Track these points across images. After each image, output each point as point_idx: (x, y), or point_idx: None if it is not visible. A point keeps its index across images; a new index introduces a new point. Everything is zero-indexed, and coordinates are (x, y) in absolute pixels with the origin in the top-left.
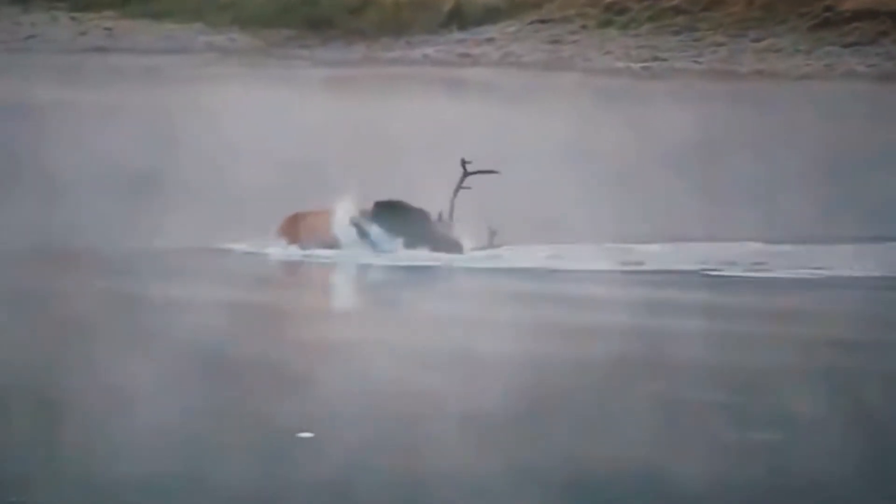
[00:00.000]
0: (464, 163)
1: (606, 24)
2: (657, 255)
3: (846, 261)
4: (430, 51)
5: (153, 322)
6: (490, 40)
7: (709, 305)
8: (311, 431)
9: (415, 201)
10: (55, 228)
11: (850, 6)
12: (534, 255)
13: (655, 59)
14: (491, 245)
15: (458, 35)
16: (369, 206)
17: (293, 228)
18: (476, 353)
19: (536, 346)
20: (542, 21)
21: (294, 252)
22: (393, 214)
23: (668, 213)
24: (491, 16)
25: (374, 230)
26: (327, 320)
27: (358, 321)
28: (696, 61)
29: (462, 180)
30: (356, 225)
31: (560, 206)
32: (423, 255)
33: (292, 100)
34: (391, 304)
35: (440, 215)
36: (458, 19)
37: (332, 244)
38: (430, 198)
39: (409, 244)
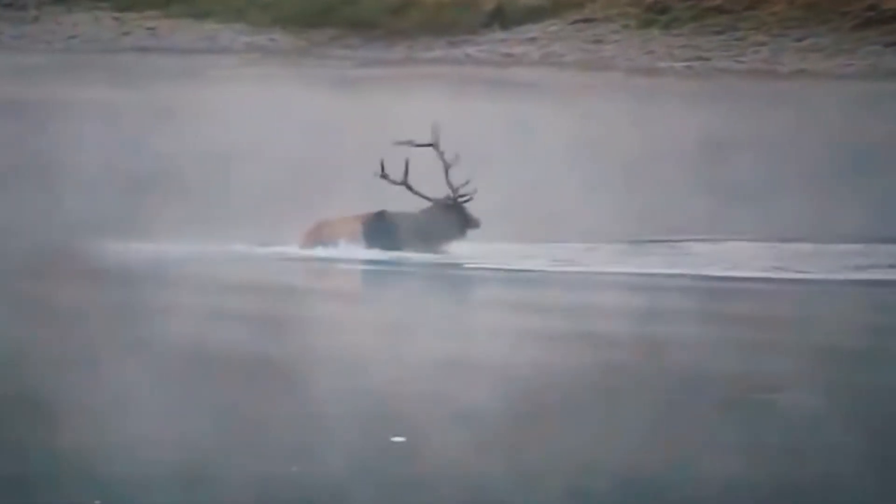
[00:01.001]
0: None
1: (649, 23)
2: (674, 257)
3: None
4: (471, 50)
5: (153, 322)
6: (532, 40)
7: (718, 309)
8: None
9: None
10: (55, 227)
11: (892, 5)
12: (536, 255)
13: (698, 58)
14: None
15: (500, 35)
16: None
17: (317, 235)
18: (476, 356)
19: (539, 348)
20: (585, 20)
21: (294, 253)
22: (379, 224)
23: (692, 215)
24: (533, 15)
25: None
26: (327, 322)
27: (357, 323)
28: (738, 61)
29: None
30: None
31: (566, 204)
32: (421, 257)
33: (323, 100)
34: (389, 306)
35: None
36: (501, 19)
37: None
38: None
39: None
